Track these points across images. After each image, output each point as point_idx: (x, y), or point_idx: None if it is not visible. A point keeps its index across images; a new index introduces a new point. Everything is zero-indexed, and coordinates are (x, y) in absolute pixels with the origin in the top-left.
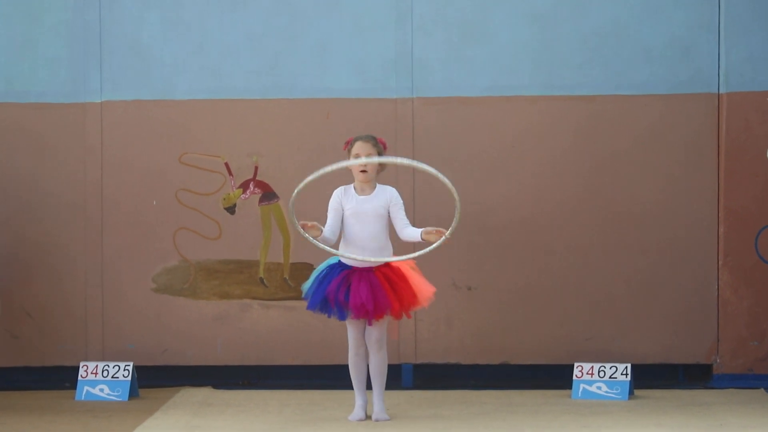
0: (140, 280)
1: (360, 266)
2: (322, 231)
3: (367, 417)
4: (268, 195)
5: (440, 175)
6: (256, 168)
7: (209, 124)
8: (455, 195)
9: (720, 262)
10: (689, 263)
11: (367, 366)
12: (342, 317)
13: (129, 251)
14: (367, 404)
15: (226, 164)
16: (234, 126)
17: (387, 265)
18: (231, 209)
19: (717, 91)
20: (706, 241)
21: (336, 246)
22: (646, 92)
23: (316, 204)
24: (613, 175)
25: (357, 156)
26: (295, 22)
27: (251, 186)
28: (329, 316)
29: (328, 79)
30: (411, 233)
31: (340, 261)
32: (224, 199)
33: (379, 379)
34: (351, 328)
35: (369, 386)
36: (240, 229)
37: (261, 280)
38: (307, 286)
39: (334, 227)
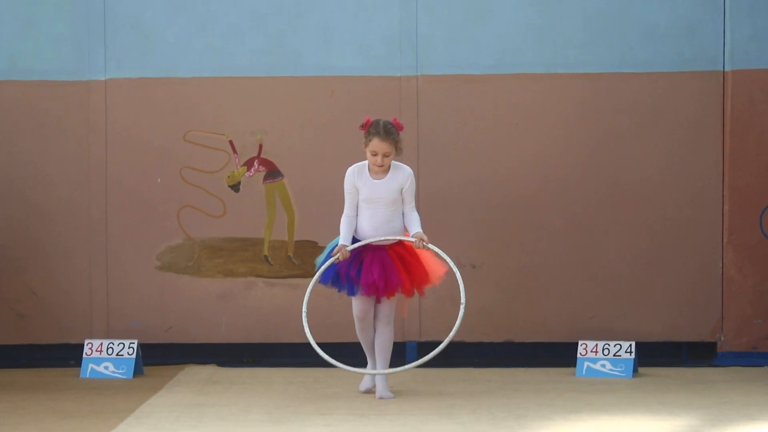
0: (145, 258)
1: (373, 243)
2: (346, 246)
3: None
4: (272, 173)
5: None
6: (261, 146)
7: (213, 102)
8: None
9: (724, 240)
10: (694, 241)
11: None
12: (351, 293)
13: (133, 229)
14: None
15: (231, 142)
16: (238, 104)
17: (400, 243)
18: (235, 187)
19: (722, 69)
20: (711, 219)
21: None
22: (651, 70)
23: (321, 184)
24: (618, 153)
25: (373, 152)
26: (300, 0)
27: (255, 164)
28: (339, 291)
29: (332, 56)
30: (408, 225)
31: (353, 237)
32: (229, 177)
33: (383, 355)
34: (357, 303)
35: None
36: (244, 207)
37: (265, 258)
38: (320, 260)
39: (354, 208)
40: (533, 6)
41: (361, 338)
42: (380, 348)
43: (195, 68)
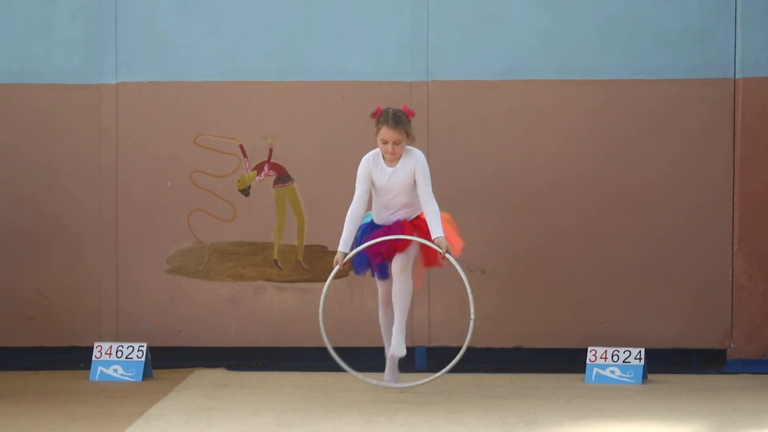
0: (154, 262)
1: (390, 222)
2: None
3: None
4: (282, 177)
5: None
6: (271, 150)
7: (224, 106)
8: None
9: (735, 248)
10: (704, 248)
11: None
12: (382, 277)
13: (143, 232)
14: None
15: (241, 146)
16: (249, 108)
17: (417, 217)
18: (245, 191)
19: (733, 76)
20: (721, 227)
21: (368, 207)
22: (662, 77)
23: (331, 188)
24: (629, 159)
25: (384, 140)
26: (311, 5)
27: (266, 168)
28: (373, 276)
29: (343, 62)
30: (428, 217)
31: (372, 221)
32: (239, 181)
33: (400, 304)
34: (381, 287)
35: None
36: (254, 212)
37: (275, 262)
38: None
39: (364, 197)
40: (545, 12)
41: (383, 322)
42: (396, 296)
43: (206, 72)
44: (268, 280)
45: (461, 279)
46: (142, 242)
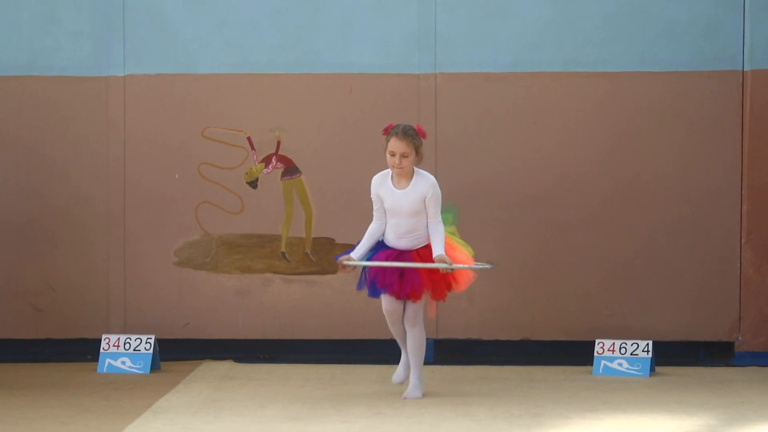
0: (162, 254)
1: (398, 247)
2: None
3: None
4: (290, 170)
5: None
6: (279, 142)
7: (232, 98)
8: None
9: (743, 240)
10: (712, 241)
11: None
12: (372, 294)
13: (151, 225)
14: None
15: (249, 138)
16: (257, 100)
17: (426, 246)
18: (253, 183)
19: (741, 69)
20: (729, 219)
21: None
22: (670, 69)
23: (339, 181)
24: (636, 151)
25: (392, 153)
26: None
27: (273, 160)
28: (369, 295)
29: (350, 54)
30: (433, 236)
31: (382, 240)
32: (246, 173)
33: (414, 355)
34: (384, 301)
35: None
36: (262, 204)
37: (283, 254)
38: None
39: (379, 216)
40: (552, 4)
41: (394, 332)
42: (411, 350)
43: (214, 64)
44: (276, 272)
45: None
46: (150, 234)
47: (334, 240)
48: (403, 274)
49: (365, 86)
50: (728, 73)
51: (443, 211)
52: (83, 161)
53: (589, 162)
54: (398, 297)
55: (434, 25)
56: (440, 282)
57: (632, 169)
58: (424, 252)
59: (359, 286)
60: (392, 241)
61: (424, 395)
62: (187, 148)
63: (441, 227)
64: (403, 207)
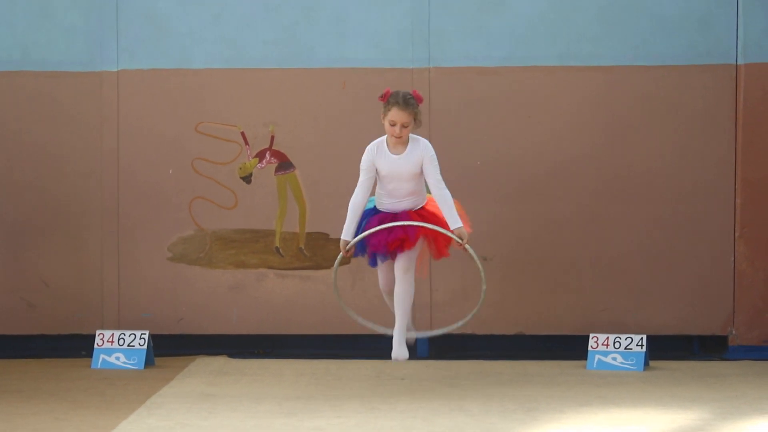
0: (156, 249)
1: (396, 210)
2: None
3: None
4: (284, 164)
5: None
6: (272, 137)
7: (226, 93)
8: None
9: (736, 234)
10: (706, 235)
11: None
12: (372, 264)
13: (145, 220)
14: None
15: (243, 133)
16: (250, 95)
17: (422, 207)
18: (247, 179)
19: (735, 63)
20: (723, 213)
21: (372, 192)
22: (664, 63)
23: (333, 176)
24: (630, 146)
25: (392, 122)
26: None
27: (267, 155)
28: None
29: (344, 48)
30: (442, 207)
31: (375, 206)
32: (240, 168)
33: (401, 305)
34: (381, 275)
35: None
36: (256, 199)
37: (277, 249)
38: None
39: (366, 185)
40: None
41: (390, 305)
42: (398, 297)
43: (207, 59)
44: (270, 267)
45: (463, 266)
46: (144, 230)
47: (328, 235)
48: (397, 226)
49: (359, 81)
50: (722, 66)
51: None
52: (77, 156)
53: (582, 156)
54: (392, 249)
55: (428, 20)
56: (438, 235)
57: (626, 163)
58: (423, 211)
59: (356, 254)
60: (389, 205)
61: (417, 391)
62: (180, 143)
63: (447, 193)
64: (402, 172)
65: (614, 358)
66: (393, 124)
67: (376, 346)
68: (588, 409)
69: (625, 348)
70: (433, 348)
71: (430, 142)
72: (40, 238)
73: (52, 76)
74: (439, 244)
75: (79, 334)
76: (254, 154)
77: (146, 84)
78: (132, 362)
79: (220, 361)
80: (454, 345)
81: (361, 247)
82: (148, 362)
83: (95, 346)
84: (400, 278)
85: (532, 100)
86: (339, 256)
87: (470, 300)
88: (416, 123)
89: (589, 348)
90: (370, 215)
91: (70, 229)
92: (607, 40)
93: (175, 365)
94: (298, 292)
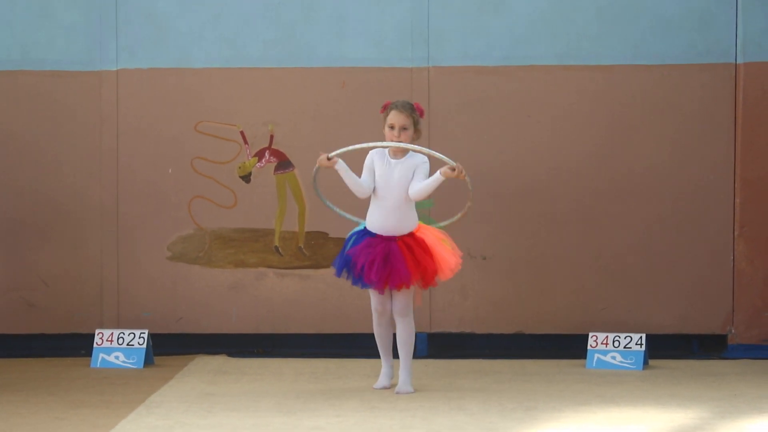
0: (155, 248)
1: (383, 234)
2: (338, 162)
3: (392, 386)
4: (283, 164)
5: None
6: (272, 136)
7: (225, 92)
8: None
9: (736, 233)
10: (705, 234)
11: (394, 335)
12: (361, 286)
13: (144, 219)
14: (392, 372)
15: (242, 133)
16: (250, 95)
17: (411, 234)
18: (246, 178)
19: (734, 62)
20: (722, 212)
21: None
22: (663, 62)
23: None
24: (629, 145)
25: (391, 126)
26: None
27: (267, 154)
28: (353, 284)
29: (344, 48)
30: (423, 184)
31: (365, 228)
32: (240, 167)
33: (404, 348)
34: (373, 296)
35: (396, 355)
36: (255, 198)
37: (276, 248)
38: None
39: (368, 183)
40: None
41: (377, 334)
42: (399, 342)
43: (207, 59)
44: (269, 266)
45: (462, 266)
46: (143, 229)
47: (327, 234)
48: (390, 265)
49: (359, 80)
50: (721, 66)
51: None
52: (76, 156)
53: (582, 155)
54: (386, 287)
55: (427, 19)
56: (428, 269)
57: (625, 162)
58: (410, 240)
59: (338, 273)
60: (378, 222)
61: (417, 390)
62: (180, 142)
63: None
64: (394, 177)
65: (613, 357)
66: (392, 127)
67: (376, 346)
68: (587, 408)
69: (625, 347)
70: (432, 347)
71: (429, 141)
72: (39, 237)
73: (52, 75)
74: (428, 277)
75: (78, 333)
76: (253, 153)
77: (146, 83)
78: (131, 361)
79: (220, 361)
80: (454, 344)
81: (343, 266)
82: (148, 361)
83: (95, 345)
84: (400, 322)
85: (531, 100)
86: (315, 168)
87: (469, 299)
88: (416, 132)
89: (589, 347)
90: (361, 237)
91: (69, 228)
92: (607, 39)
93: (175, 364)
94: (297, 291)
